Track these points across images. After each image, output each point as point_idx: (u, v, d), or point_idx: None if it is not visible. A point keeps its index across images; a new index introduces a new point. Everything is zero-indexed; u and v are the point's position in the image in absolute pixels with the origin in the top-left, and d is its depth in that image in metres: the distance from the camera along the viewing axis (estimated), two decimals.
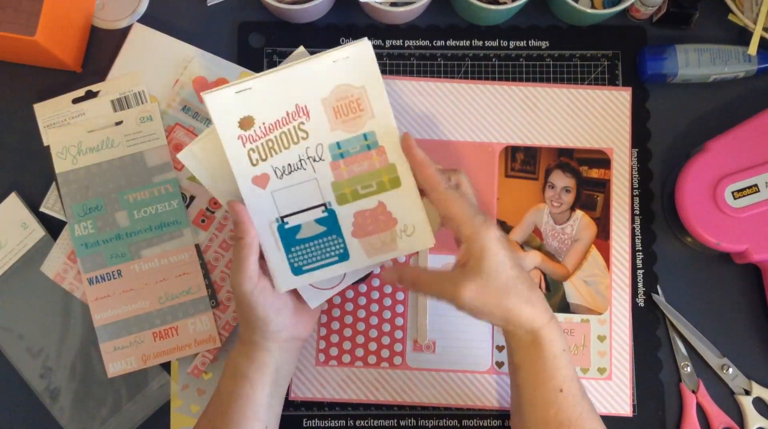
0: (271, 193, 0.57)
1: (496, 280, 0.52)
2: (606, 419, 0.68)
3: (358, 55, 0.56)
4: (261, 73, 0.56)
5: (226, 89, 0.56)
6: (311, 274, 0.59)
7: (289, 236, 0.58)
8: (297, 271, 0.58)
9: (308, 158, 0.57)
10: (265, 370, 0.59)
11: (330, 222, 0.58)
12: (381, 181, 0.57)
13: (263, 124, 0.56)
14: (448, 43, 0.73)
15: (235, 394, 0.58)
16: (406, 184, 0.57)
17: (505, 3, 0.69)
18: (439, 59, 0.72)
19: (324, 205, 0.58)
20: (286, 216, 0.58)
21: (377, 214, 0.58)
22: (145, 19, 0.72)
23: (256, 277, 0.56)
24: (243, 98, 0.56)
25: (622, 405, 0.68)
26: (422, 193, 0.58)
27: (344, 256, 0.59)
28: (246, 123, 0.56)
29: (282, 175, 0.57)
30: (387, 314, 0.69)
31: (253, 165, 0.57)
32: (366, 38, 0.56)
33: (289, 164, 0.57)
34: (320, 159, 0.57)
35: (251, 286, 0.56)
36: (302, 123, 0.57)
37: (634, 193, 0.71)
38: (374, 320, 0.69)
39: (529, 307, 0.53)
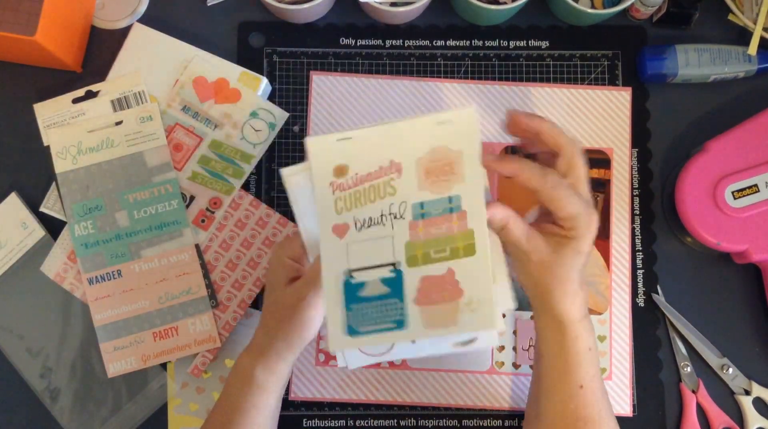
0: (347, 245, 0.55)
1: (566, 266, 0.52)
2: None
3: (461, 120, 0.55)
4: (363, 126, 0.56)
5: (328, 136, 0.55)
6: (364, 337, 0.55)
7: (352, 292, 0.55)
8: (352, 331, 0.55)
9: (390, 214, 0.55)
10: (283, 381, 0.59)
11: (395, 284, 0.55)
12: (455, 247, 0.54)
13: (356, 174, 0.55)
14: (448, 43, 0.73)
15: (249, 404, 0.58)
16: (480, 253, 0.54)
17: (505, 3, 0.69)
18: (439, 59, 0.72)
19: (393, 264, 0.55)
20: (355, 270, 0.55)
21: (445, 282, 0.54)
22: (145, 19, 0.72)
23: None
24: (342, 146, 0.55)
25: (622, 405, 0.68)
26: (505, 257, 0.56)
27: (401, 324, 0.55)
28: (340, 170, 0.55)
29: (361, 227, 0.55)
30: None
31: (337, 213, 0.55)
32: (474, 105, 0.56)
33: (371, 218, 0.55)
34: (401, 217, 0.55)
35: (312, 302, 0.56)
36: (393, 179, 0.55)
37: (634, 193, 0.71)
38: None
39: (569, 301, 0.53)
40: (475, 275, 0.53)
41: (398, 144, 0.55)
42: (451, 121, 0.55)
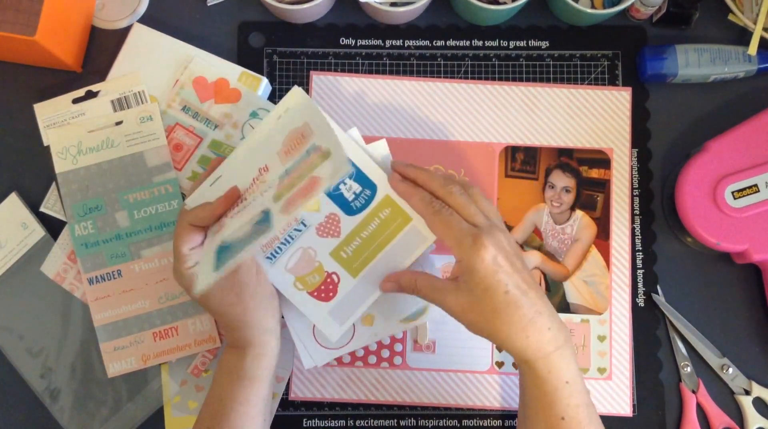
0: (221, 230, 0.57)
1: (485, 301, 0.50)
2: (606, 419, 0.68)
3: (294, 102, 0.59)
4: (226, 160, 0.61)
5: (202, 186, 0.60)
6: (236, 254, 0.53)
7: (225, 250, 0.55)
8: (218, 266, 0.54)
9: (261, 193, 0.57)
10: (269, 369, 0.59)
11: (264, 219, 0.54)
12: (314, 165, 0.54)
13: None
14: (448, 43, 0.73)
15: (241, 396, 0.57)
16: (335, 150, 0.53)
17: (505, 3, 0.69)
18: (439, 59, 0.72)
19: (262, 211, 0.55)
20: (227, 236, 0.56)
21: (307, 186, 0.54)
22: (145, 19, 0.72)
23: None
24: (217, 187, 0.59)
25: (622, 405, 0.68)
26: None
27: (266, 217, 0.54)
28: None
29: (235, 214, 0.57)
30: None
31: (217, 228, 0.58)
32: (296, 86, 0.59)
33: (244, 206, 0.57)
34: (270, 187, 0.56)
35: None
36: (263, 179, 0.58)
37: (634, 193, 0.71)
38: None
39: (523, 337, 0.50)
40: (334, 161, 0.53)
41: (257, 153, 0.59)
42: (287, 109, 0.59)
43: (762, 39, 0.69)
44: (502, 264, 0.51)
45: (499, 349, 0.55)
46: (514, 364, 0.68)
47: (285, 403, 0.68)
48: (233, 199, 0.58)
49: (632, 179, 0.71)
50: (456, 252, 0.51)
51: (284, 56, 0.72)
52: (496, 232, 0.51)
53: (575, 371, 0.53)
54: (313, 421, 0.68)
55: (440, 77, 0.72)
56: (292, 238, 0.60)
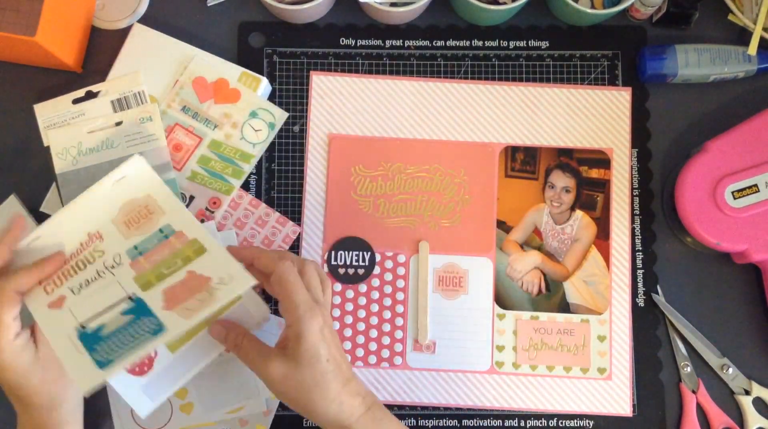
0: (69, 309, 0.55)
1: (307, 369, 0.52)
2: (606, 419, 0.68)
3: (134, 172, 0.59)
4: (47, 220, 0.58)
5: (23, 241, 0.57)
6: (123, 359, 0.53)
7: (91, 337, 0.54)
8: (102, 363, 0.53)
9: (106, 268, 0.57)
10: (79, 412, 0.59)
11: (138, 308, 0.55)
12: (185, 256, 0.57)
13: None
14: (448, 43, 0.73)
15: None
16: (211, 247, 0.56)
17: (505, 3, 0.69)
18: (439, 59, 0.72)
19: (129, 297, 0.55)
20: (88, 320, 0.55)
21: (188, 281, 0.56)
22: (145, 19, 0.72)
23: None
24: (37, 245, 0.57)
25: (622, 405, 0.68)
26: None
27: (159, 330, 0.54)
28: None
29: (80, 289, 0.56)
30: (387, 314, 0.69)
31: (48, 294, 0.56)
32: (137, 154, 0.59)
33: (87, 280, 0.56)
34: (119, 264, 0.57)
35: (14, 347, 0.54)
36: (96, 246, 0.58)
37: (634, 193, 0.71)
38: (374, 320, 0.69)
39: (337, 404, 0.53)
40: (214, 262, 0.56)
41: (87, 216, 0.58)
42: (124, 176, 0.59)
43: (762, 39, 0.69)
44: (327, 336, 0.54)
45: (312, 421, 0.56)
46: (514, 364, 0.68)
47: None
48: (59, 264, 0.57)
49: (632, 179, 0.71)
50: (290, 315, 0.53)
51: (284, 56, 0.72)
52: (325, 309, 0.55)
53: (392, 426, 0.56)
54: None
55: (440, 77, 0.72)
56: None
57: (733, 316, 0.69)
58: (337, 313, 0.69)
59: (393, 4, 0.69)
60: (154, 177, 0.59)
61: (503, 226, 0.70)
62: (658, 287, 0.70)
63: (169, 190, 0.59)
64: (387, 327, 0.69)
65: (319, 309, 0.54)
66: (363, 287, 0.69)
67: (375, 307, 0.69)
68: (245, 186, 0.70)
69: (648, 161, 0.71)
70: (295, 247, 0.70)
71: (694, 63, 0.69)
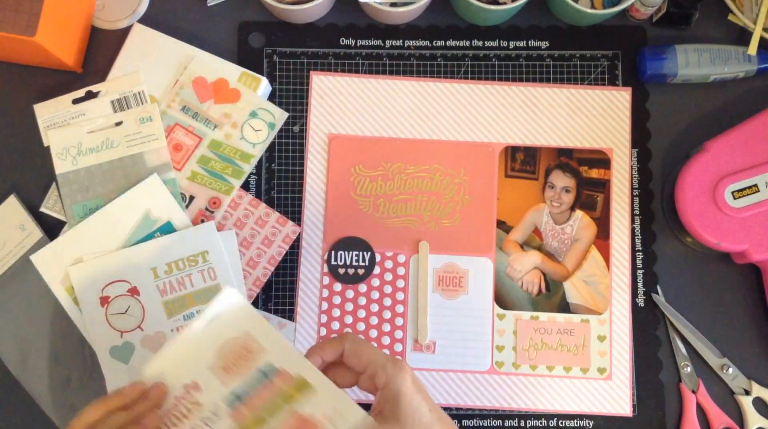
0: None
1: (413, 425, 0.50)
2: (606, 419, 0.68)
3: (228, 307, 0.53)
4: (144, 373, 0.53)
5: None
6: None
7: None
8: None
9: (203, 420, 0.51)
10: None
11: None
12: (289, 396, 0.51)
13: None
14: (448, 43, 0.73)
15: None
16: (317, 383, 0.51)
17: (505, 3, 0.69)
18: (439, 59, 0.72)
19: None
20: None
21: (298, 425, 0.50)
22: (145, 19, 0.72)
23: None
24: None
25: (622, 405, 0.68)
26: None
27: None
28: None
29: None
30: (387, 314, 0.69)
31: None
32: (229, 286, 0.53)
33: None
34: (216, 415, 0.51)
35: None
36: (194, 398, 0.52)
37: (634, 193, 0.71)
38: (374, 320, 0.69)
39: None
40: (322, 401, 0.50)
41: (182, 367, 0.53)
42: (218, 315, 0.53)
43: (762, 39, 0.69)
44: (419, 386, 0.52)
45: None
46: (514, 364, 0.68)
47: None
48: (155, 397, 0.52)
49: (632, 179, 0.71)
50: (380, 376, 0.51)
51: (284, 56, 0.72)
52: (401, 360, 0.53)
53: None
54: None
55: (440, 77, 0.72)
56: None
57: (733, 316, 0.69)
58: (337, 313, 0.69)
59: (393, 4, 0.69)
60: (250, 311, 0.53)
61: (503, 226, 0.70)
62: (658, 287, 0.70)
63: (266, 322, 0.53)
64: (387, 327, 0.69)
65: (400, 361, 0.52)
66: (363, 287, 0.69)
67: (375, 307, 0.69)
68: (245, 186, 0.70)
69: (648, 161, 0.71)
70: (295, 247, 0.70)
71: (694, 63, 0.69)
